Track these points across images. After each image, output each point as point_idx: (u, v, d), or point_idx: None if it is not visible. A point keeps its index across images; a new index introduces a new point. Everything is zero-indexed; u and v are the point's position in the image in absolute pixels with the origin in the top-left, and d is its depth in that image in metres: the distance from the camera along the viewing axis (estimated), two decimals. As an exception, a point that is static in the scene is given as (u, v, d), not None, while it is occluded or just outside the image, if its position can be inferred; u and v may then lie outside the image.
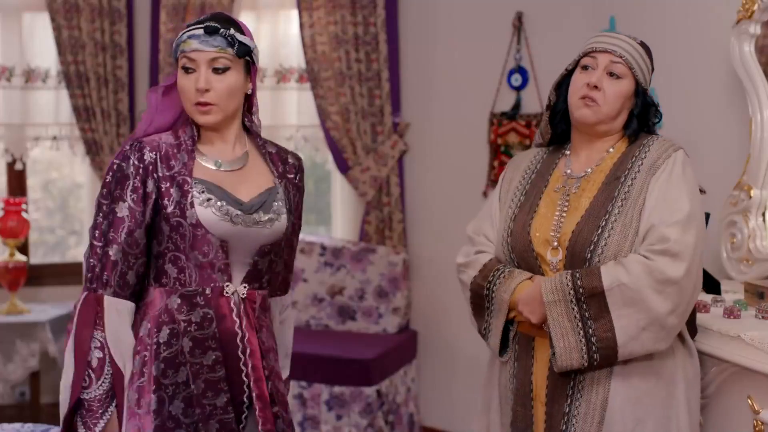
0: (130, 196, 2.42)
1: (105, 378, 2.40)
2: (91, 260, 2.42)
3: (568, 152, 2.79)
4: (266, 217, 2.51)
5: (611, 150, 2.71)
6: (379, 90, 5.21)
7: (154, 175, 2.44)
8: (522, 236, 2.69)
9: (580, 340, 2.53)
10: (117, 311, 2.42)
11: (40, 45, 5.55)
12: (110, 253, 2.41)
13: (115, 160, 2.45)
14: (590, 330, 2.52)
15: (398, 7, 5.24)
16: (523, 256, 2.70)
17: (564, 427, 2.60)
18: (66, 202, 6.26)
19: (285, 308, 2.77)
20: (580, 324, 2.53)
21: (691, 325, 2.75)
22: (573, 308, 2.53)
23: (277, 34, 5.52)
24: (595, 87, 2.66)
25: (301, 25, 5.27)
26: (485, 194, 5.06)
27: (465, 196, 5.15)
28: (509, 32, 4.98)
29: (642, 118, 2.70)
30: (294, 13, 5.40)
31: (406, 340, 5.19)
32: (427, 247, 5.33)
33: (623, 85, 2.66)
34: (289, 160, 2.67)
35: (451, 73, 5.19)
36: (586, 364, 2.54)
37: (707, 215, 3.20)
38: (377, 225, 5.32)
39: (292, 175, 2.65)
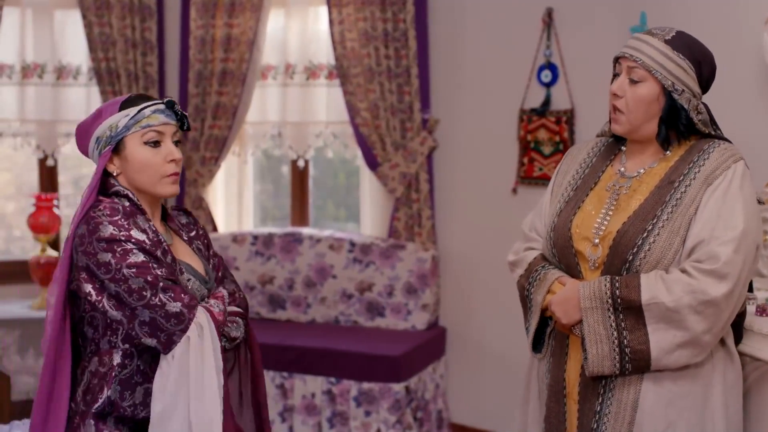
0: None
1: None
2: (175, 304, 2.40)
3: (624, 148, 2.75)
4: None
5: (668, 153, 2.66)
6: (408, 86, 5.21)
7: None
8: (563, 232, 2.69)
9: (614, 350, 2.52)
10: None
11: (72, 42, 5.59)
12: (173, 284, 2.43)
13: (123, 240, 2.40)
14: (625, 340, 2.51)
15: (427, 3, 5.23)
16: (563, 252, 2.70)
17: (595, 426, 2.59)
18: (97, 198, 6.29)
19: None
20: (615, 333, 2.52)
21: (737, 330, 2.72)
22: (609, 317, 2.52)
23: (307, 31, 5.53)
24: (616, 95, 2.63)
25: (331, 22, 5.28)
26: (515, 191, 5.04)
27: (494, 193, 5.13)
28: (539, 28, 4.96)
29: (671, 122, 2.62)
30: (323, 10, 5.40)
31: (434, 336, 5.19)
32: (456, 244, 5.32)
33: (642, 90, 2.60)
34: (183, 221, 2.73)
35: (480, 69, 5.18)
36: (617, 372, 2.54)
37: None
38: (406, 221, 5.32)
39: (193, 233, 2.72)
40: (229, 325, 2.55)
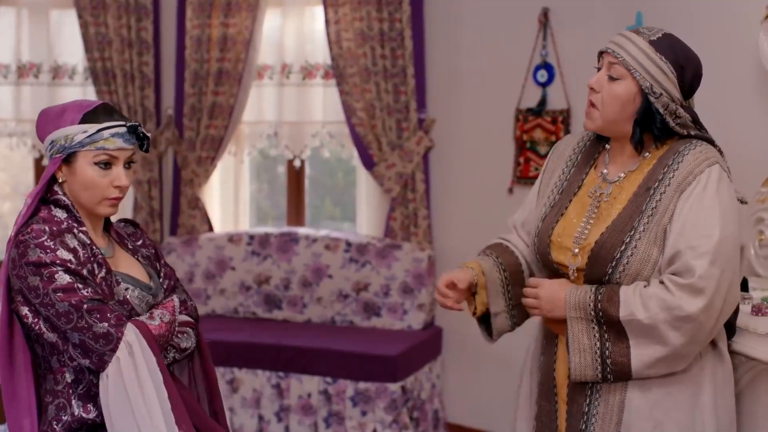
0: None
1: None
2: (101, 325, 2.37)
3: (608, 146, 2.71)
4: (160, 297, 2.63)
5: (647, 155, 2.61)
6: (404, 86, 5.21)
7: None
8: (544, 239, 2.68)
9: (596, 360, 2.52)
10: None
11: (67, 42, 5.60)
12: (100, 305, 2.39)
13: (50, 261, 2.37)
14: (607, 351, 2.51)
15: (424, 3, 5.23)
16: (545, 260, 2.71)
17: (584, 427, 2.60)
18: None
19: None
20: (598, 344, 2.52)
21: (730, 328, 2.71)
22: (593, 327, 2.53)
23: (303, 31, 5.52)
24: (593, 90, 2.60)
25: (327, 22, 5.27)
26: (511, 190, 5.05)
27: (490, 193, 5.13)
28: (535, 28, 4.97)
29: (646, 125, 2.57)
30: (319, 10, 5.40)
31: (430, 336, 5.19)
32: (452, 244, 5.32)
33: (619, 88, 2.55)
34: (128, 231, 2.72)
35: (476, 69, 5.18)
36: (600, 380, 2.54)
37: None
38: (402, 221, 5.32)
39: (139, 242, 2.71)
40: (179, 335, 2.55)
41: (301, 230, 5.52)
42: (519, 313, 2.86)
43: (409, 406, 4.80)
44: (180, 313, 2.58)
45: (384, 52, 5.20)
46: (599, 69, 2.63)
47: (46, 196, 2.50)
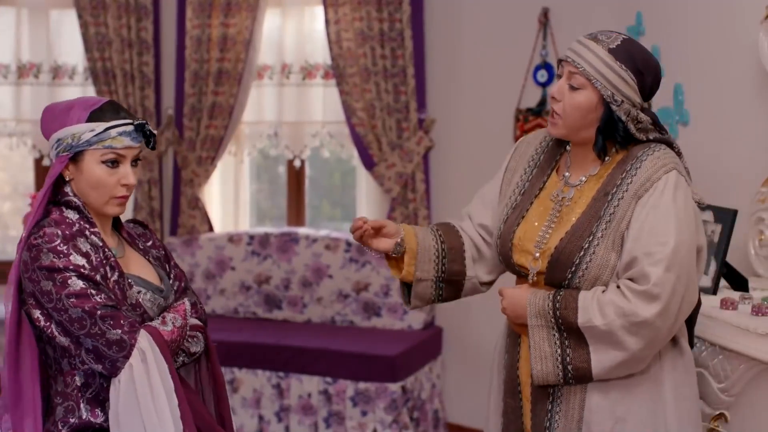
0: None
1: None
2: (114, 331, 2.37)
3: (569, 148, 2.70)
4: (171, 299, 2.63)
5: (608, 159, 2.61)
6: (404, 86, 5.21)
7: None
8: (506, 242, 2.70)
9: (557, 366, 2.54)
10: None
11: (67, 42, 5.60)
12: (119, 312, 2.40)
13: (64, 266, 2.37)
14: (568, 358, 2.53)
15: (424, 3, 5.23)
16: (507, 262, 2.73)
17: (548, 424, 2.62)
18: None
19: None
20: (559, 350, 2.54)
21: (690, 319, 2.69)
22: (554, 335, 2.55)
23: (303, 31, 5.53)
24: (554, 99, 2.59)
25: (327, 22, 5.28)
26: (511, 190, 5.05)
27: (490, 193, 5.13)
28: (535, 28, 4.97)
29: (608, 133, 2.56)
30: (319, 10, 5.40)
31: (431, 336, 5.19)
32: (452, 244, 5.31)
33: (580, 97, 2.53)
34: (138, 232, 2.72)
35: (476, 69, 5.18)
36: (562, 384, 2.57)
37: (734, 213, 3.18)
38: (402, 221, 5.31)
39: (150, 243, 2.72)
40: (189, 340, 2.55)
41: (301, 230, 5.52)
42: (448, 288, 2.87)
43: (409, 406, 4.80)
44: (190, 316, 2.59)
45: (384, 52, 5.21)
46: (560, 76, 2.62)
47: (56, 198, 2.49)
